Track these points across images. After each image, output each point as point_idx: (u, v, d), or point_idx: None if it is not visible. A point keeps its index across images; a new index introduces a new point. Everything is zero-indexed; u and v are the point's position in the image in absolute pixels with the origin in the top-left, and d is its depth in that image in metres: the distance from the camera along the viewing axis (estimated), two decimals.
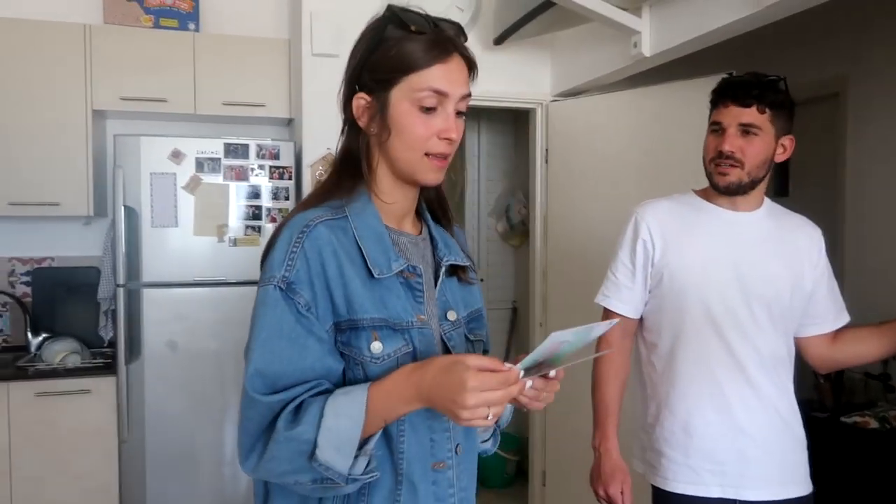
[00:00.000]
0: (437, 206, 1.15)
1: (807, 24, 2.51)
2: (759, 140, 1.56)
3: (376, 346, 0.97)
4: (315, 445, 0.89)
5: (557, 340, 0.88)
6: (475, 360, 0.87)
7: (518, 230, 4.36)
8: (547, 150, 3.34)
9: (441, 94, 0.99)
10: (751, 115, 1.55)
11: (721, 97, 1.60)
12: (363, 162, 1.04)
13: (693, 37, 2.29)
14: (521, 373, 0.89)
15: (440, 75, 0.99)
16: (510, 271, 4.59)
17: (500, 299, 4.55)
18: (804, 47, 3.28)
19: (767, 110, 1.55)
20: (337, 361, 0.97)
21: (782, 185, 3.58)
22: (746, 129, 1.56)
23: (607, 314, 1.72)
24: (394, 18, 1.00)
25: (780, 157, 1.62)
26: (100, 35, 3.00)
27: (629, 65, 2.69)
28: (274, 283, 0.95)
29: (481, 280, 4.48)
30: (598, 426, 1.73)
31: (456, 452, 1.06)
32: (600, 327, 0.95)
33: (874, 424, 2.56)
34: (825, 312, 1.68)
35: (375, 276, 0.98)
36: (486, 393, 0.85)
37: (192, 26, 3.16)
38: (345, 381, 0.98)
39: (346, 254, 0.98)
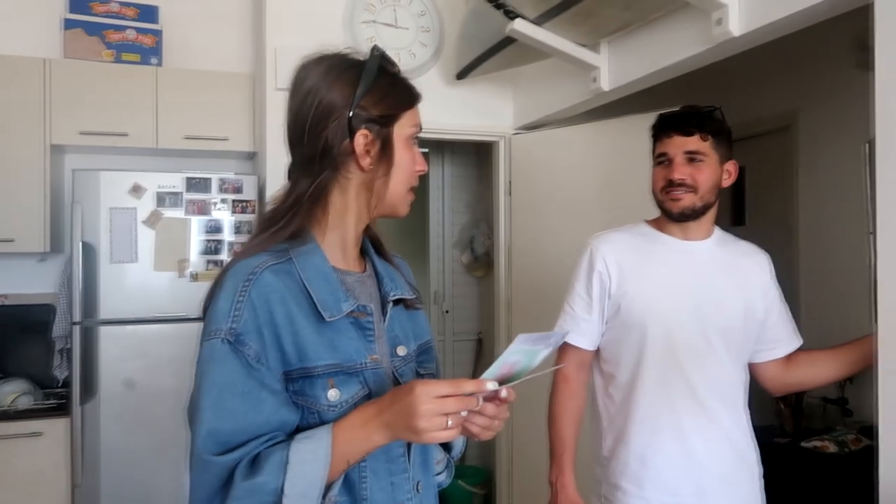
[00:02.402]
0: (375, 240, 1.15)
1: (759, 59, 2.61)
2: (705, 166, 1.60)
3: (333, 394, 0.95)
4: (282, 494, 0.86)
5: (522, 342, 0.91)
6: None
7: (482, 261, 4.38)
8: (510, 182, 3.38)
9: (419, 129, 1.07)
10: (695, 142, 1.60)
11: (663, 129, 1.65)
12: (327, 202, 1.03)
13: (649, 72, 2.36)
14: (488, 384, 0.91)
15: (417, 112, 1.06)
16: (475, 303, 4.59)
17: (465, 331, 4.54)
18: (758, 82, 3.41)
19: (710, 137, 1.60)
20: (292, 413, 0.94)
21: (739, 214, 3.68)
22: (692, 157, 1.60)
23: (565, 347, 1.70)
24: (385, 58, 1.04)
25: (726, 182, 1.67)
26: (59, 69, 2.96)
27: (588, 99, 2.75)
28: (221, 337, 0.92)
29: (446, 312, 4.49)
30: (554, 461, 1.71)
31: (417, 490, 1.05)
32: (549, 344, 0.97)
33: (833, 449, 2.61)
34: (778, 337, 1.70)
35: (326, 319, 0.96)
36: (438, 400, 0.86)
37: (154, 61, 3.14)
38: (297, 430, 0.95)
39: (294, 299, 0.96)
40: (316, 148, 1.00)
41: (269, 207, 1.06)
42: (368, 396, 0.98)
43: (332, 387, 0.95)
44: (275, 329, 0.94)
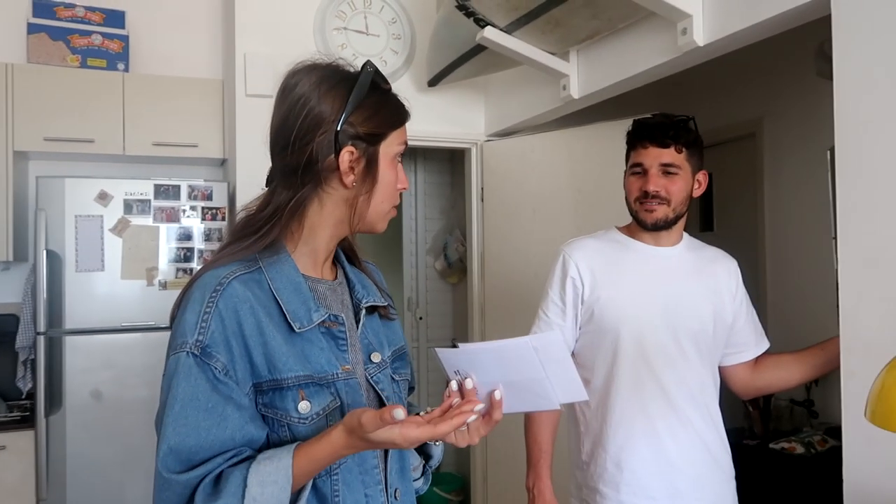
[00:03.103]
0: (348, 249, 1.14)
1: (725, 68, 2.66)
2: (679, 178, 1.63)
3: (304, 406, 0.94)
4: None
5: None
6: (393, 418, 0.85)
7: (456, 268, 4.39)
8: (482, 188, 3.40)
9: (405, 147, 1.05)
10: (670, 155, 1.62)
11: (639, 139, 1.66)
12: (304, 215, 1.01)
13: (618, 80, 2.39)
14: (470, 418, 0.91)
15: (405, 130, 1.05)
16: (449, 309, 4.60)
17: (439, 337, 4.54)
18: (724, 90, 3.47)
19: (684, 150, 1.63)
20: (259, 428, 0.93)
21: (707, 221, 3.74)
22: (667, 170, 1.62)
23: None
24: (378, 75, 1.01)
25: (697, 192, 1.70)
26: (23, 75, 2.90)
27: (559, 106, 2.78)
28: (186, 350, 0.90)
29: (420, 318, 4.48)
30: (531, 466, 1.72)
31: (395, 497, 1.05)
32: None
33: (800, 450, 2.66)
34: (746, 341, 1.73)
35: (297, 330, 0.95)
36: (418, 439, 0.87)
37: (121, 66, 3.10)
38: (268, 443, 0.94)
39: (264, 309, 0.94)
40: (300, 160, 0.98)
41: (242, 215, 1.03)
42: (340, 408, 0.96)
43: (303, 399, 0.93)
44: (244, 340, 0.92)
